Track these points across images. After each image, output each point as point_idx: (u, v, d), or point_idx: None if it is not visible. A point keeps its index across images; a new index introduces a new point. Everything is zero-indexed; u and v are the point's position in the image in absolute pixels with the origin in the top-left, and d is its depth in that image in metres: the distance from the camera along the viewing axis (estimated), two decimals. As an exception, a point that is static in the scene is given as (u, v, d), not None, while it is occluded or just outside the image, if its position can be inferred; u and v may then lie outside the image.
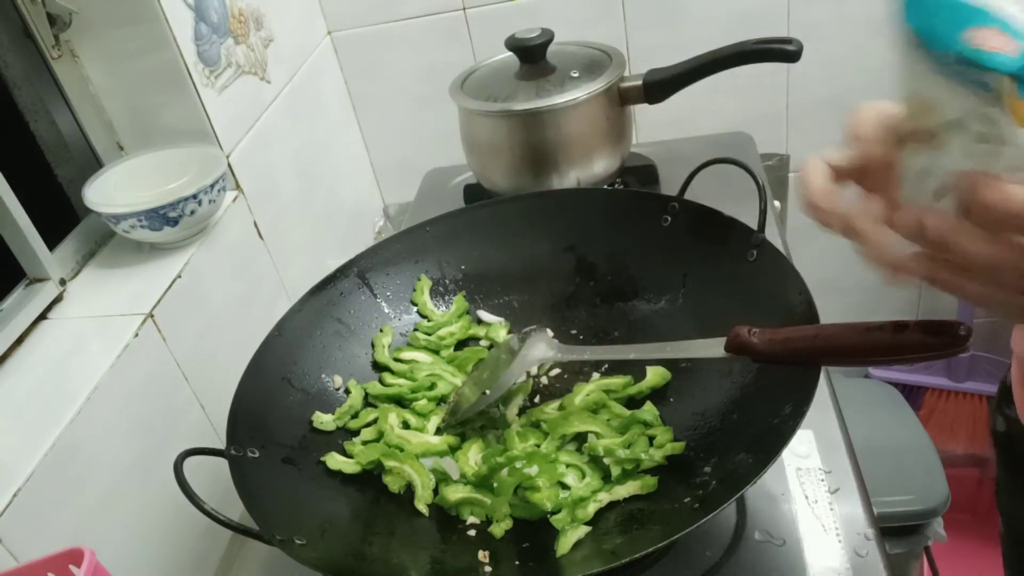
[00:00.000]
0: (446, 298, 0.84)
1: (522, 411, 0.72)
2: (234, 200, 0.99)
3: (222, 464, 0.61)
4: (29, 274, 0.82)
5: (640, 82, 0.97)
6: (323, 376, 0.75)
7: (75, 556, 0.52)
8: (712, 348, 0.58)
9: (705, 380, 0.68)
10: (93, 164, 0.96)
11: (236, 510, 0.59)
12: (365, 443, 0.70)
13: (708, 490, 0.57)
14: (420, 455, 0.67)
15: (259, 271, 1.04)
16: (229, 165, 0.99)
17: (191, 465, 0.57)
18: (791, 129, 1.40)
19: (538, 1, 1.30)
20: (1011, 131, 0.31)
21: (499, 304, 0.84)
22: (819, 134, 1.39)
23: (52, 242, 0.85)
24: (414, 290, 0.83)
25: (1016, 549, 0.88)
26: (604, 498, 0.61)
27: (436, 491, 0.65)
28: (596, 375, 0.74)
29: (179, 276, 0.86)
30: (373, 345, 0.79)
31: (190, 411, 0.86)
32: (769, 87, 1.35)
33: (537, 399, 0.74)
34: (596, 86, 0.94)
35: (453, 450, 0.68)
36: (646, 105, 0.98)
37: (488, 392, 0.68)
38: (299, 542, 0.56)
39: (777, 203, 1.20)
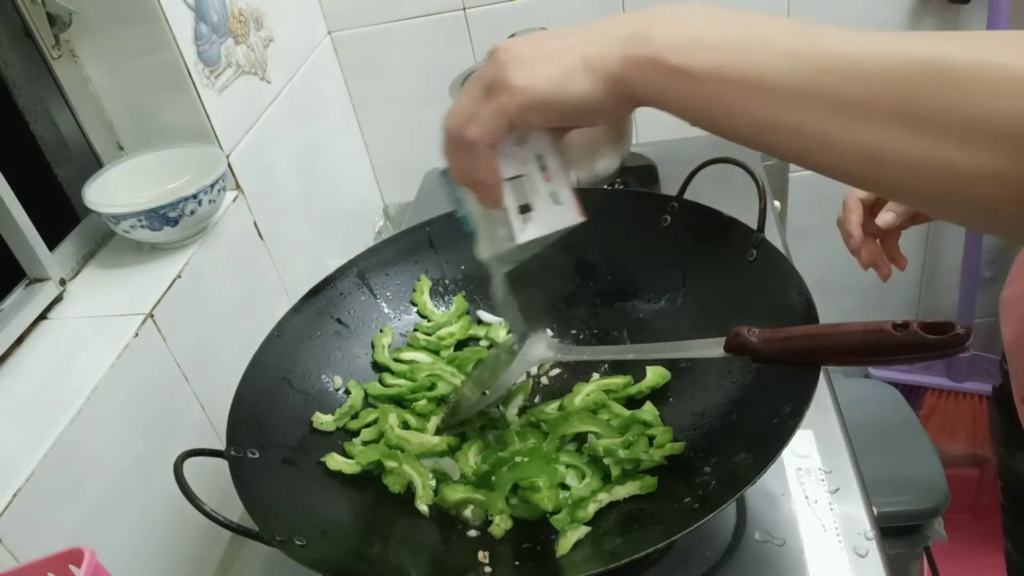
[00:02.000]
0: (446, 298, 0.84)
1: (522, 411, 0.72)
2: (234, 200, 0.99)
3: (222, 464, 0.61)
4: (29, 274, 0.82)
5: (640, 82, 0.97)
6: (323, 376, 0.75)
7: (75, 556, 0.52)
8: (712, 348, 0.58)
9: (705, 380, 0.68)
10: (93, 164, 0.96)
11: (236, 510, 0.59)
12: (365, 443, 0.70)
13: (708, 490, 0.57)
14: (420, 455, 0.67)
15: (259, 271, 1.04)
16: (229, 165, 0.99)
17: (191, 466, 0.57)
18: (791, 129, 1.40)
19: (538, 1, 1.30)
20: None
21: (499, 304, 0.84)
22: (819, 134, 1.39)
23: (52, 242, 0.85)
24: (414, 290, 0.83)
25: (1015, 511, 0.90)
26: (604, 498, 0.61)
27: (436, 491, 0.65)
28: (596, 375, 0.75)
29: (179, 276, 0.86)
30: (373, 345, 0.79)
31: (190, 411, 0.86)
32: (769, 87, 1.35)
33: (537, 399, 0.74)
34: (596, 86, 0.94)
35: (453, 450, 0.68)
36: (646, 105, 0.98)
37: (488, 392, 0.68)
38: (299, 543, 0.56)
39: (777, 203, 1.20)
